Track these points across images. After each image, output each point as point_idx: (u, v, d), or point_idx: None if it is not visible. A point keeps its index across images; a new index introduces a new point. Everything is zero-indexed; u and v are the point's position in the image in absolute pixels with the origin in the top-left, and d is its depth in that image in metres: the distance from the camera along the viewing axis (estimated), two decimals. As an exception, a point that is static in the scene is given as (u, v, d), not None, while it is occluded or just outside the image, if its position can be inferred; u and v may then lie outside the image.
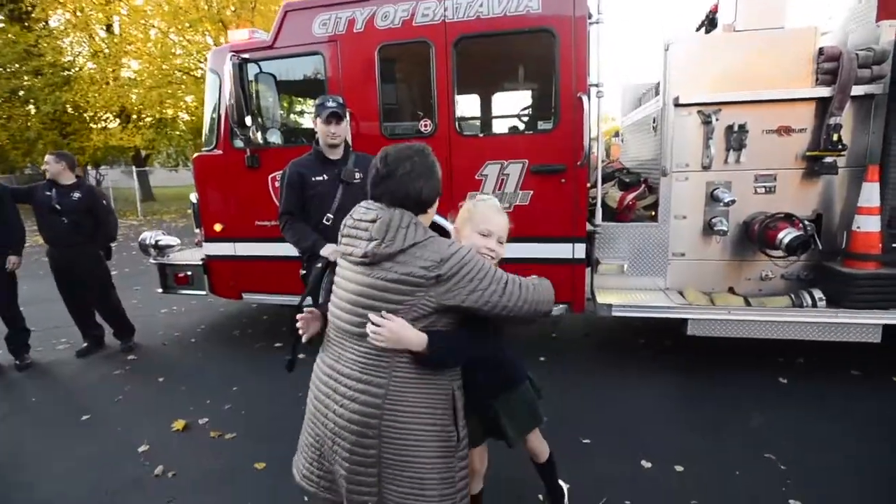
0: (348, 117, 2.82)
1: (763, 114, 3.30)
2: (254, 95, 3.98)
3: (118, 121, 18.85)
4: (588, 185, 3.56)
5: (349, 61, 3.66)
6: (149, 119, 18.67)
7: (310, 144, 2.94)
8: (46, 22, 18.29)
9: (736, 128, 3.32)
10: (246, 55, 3.77)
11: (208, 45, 17.21)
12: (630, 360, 3.83)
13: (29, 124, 18.25)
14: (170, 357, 4.28)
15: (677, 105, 3.36)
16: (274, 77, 4.08)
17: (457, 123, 3.56)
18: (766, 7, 3.33)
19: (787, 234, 3.13)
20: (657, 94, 3.90)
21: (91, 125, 19.22)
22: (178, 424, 3.07)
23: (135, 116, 18.55)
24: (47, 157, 4.10)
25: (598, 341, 4.31)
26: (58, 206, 3.98)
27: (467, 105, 4.98)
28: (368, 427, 1.34)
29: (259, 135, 4.00)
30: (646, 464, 2.53)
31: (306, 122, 5.11)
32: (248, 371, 3.84)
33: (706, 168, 3.42)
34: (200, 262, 4.23)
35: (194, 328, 4.98)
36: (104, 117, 19.42)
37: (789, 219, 3.24)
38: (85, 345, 4.39)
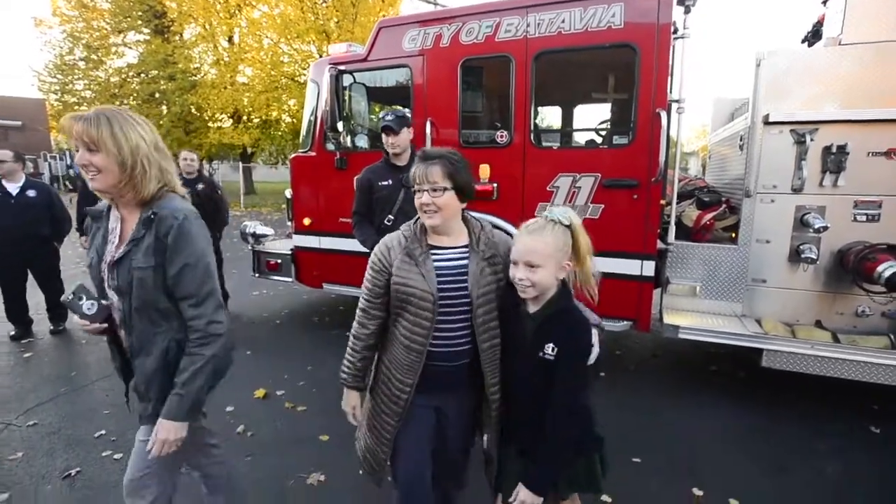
0: (407, 128, 2.99)
1: (869, 134, 3.04)
2: (347, 103, 4.36)
3: (231, 121, 21.06)
4: (663, 202, 3.48)
5: (434, 74, 3.89)
6: (256, 120, 20.66)
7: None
8: (181, 34, 20.94)
9: (835, 149, 3.09)
10: (342, 67, 4.15)
11: (312, 54, 18.70)
12: (697, 386, 3.67)
13: (161, 122, 20.94)
14: (257, 334, 4.79)
15: (767, 123, 3.19)
16: (365, 87, 4.45)
17: (532, 135, 3.66)
18: (879, 19, 3.07)
19: (888, 268, 2.85)
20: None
21: (209, 124, 21.67)
22: (259, 393, 3.47)
23: (245, 118, 20.63)
24: (184, 154, 4.93)
25: (665, 364, 4.15)
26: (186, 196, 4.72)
27: (543, 117, 5.04)
28: None
29: (348, 139, 4.38)
30: (697, 491, 2.45)
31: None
32: (323, 354, 4.20)
33: (797, 191, 3.21)
34: (289, 252, 4.70)
35: (279, 311, 5.51)
36: (220, 118, 21.80)
37: (893, 251, 2.95)
38: None
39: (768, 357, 3.14)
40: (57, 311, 4.76)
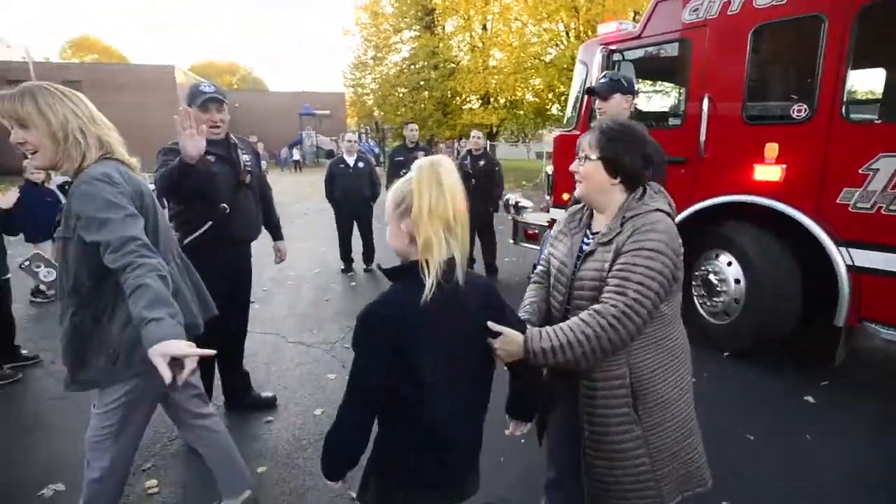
0: (621, 94, 2.55)
1: None
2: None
3: (480, 102, 23.16)
4: None
5: (717, 44, 3.65)
6: (502, 101, 22.21)
7: (663, 127, 3.20)
8: (444, 27, 23.80)
9: None
10: (614, 46, 4.27)
11: (559, 33, 18.89)
12: None
13: (424, 107, 24.52)
14: (505, 294, 5.43)
15: None
16: (634, 64, 4.46)
17: (844, 107, 3.13)
18: None
19: None
20: None
21: (462, 106, 24.32)
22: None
23: (492, 99, 22.40)
24: (474, 133, 5.80)
25: None
26: (471, 172, 5.60)
27: (860, 85, 4.15)
28: None
29: (612, 119, 4.51)
30: None
31: (663, 105, 5.34)
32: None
33: None
34: (546, 224, 5.16)
35: (526, 277, 6.10)
36: (470, 100, 24.21)
37: None
38: None
39: None
40: (369, 254, 6.38)
